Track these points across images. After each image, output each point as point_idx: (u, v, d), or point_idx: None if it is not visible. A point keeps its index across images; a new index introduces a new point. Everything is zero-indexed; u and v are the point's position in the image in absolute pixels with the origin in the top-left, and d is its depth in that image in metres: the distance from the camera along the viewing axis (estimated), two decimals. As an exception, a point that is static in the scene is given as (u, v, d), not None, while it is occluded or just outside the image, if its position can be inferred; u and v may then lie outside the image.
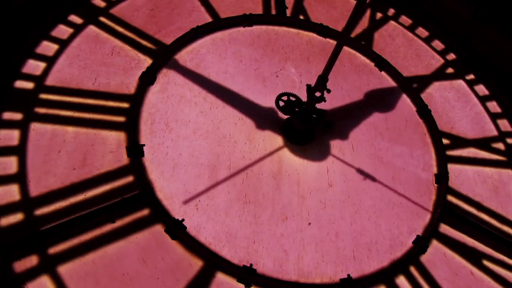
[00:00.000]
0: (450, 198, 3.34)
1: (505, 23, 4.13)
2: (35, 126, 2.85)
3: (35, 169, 2.69)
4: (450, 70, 4.22)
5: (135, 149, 2.90)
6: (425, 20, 4.48)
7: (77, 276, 2.41)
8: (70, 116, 2.94)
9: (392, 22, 4.43)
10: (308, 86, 2.85)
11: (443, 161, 3.47)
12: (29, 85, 3.01)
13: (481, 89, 4.18)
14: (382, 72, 3.93)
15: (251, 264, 2.68)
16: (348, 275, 2.80)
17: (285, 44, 3.84)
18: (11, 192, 2.59)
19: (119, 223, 2.62)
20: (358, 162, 3.31)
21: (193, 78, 3.36)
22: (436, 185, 3.40)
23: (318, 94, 2.85)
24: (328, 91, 2.80)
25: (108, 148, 2.88)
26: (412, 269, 2.94)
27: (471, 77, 4.22)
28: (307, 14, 4.12)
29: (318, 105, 2.99)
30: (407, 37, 4.37)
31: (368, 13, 4.43)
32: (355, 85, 3.77)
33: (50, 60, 3.16)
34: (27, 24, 3.23)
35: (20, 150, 2.74)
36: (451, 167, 3.49)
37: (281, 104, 3.05)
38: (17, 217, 2.52)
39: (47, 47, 3.23)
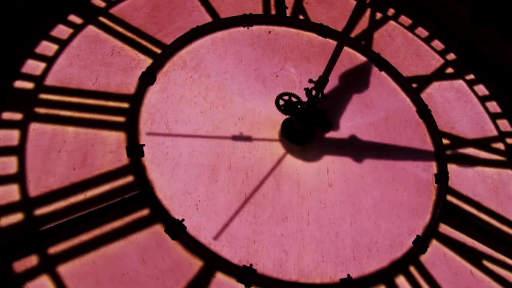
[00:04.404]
0: (450, 198, 3.34)
1: (505, 23, 4.12)
2: (35, 126, 2.84)
3: (35, 169, 2.69)
4: (450, 70, 4.22)
5: (135, 149, 2.90)
6: (425, 20, 4.48)
7: (77, 276, 2.41)
8: (70, 116, 2.94)
9: (392, 22, 4.43)
10: (309, 87, 2.85)
11: (443, 161, 3.47)
12: (29, 85, 3.01)
13: (481, 89, 4.18)
14: (382, 72, 3.93)
15: (251, 264, 2.68)
16: (348, 275, 2.80)
17: (285, 44, 3.84)
18: (11, 192, 2.59)
19: (119, 223, 2.62)
20: (358, 162, 3.31)
21: (193, 78, 3.36)
22: (436, 185, 3.40)
23: (314, 93, 2.84)
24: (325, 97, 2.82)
25: (108, 148, 2.88)
26: (412, 269, 2.94)
27: (471, 77, 4.22)
28: (307, 14, 4.12)
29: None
30: (407, 37, 4.36)
31: (368, 13, 4.43)
32: (355, 85, 3.77)
33: (50, 60, 3.16)
34: (27, 24, 3.23)
35: (20, 150, 2.74)
36: (451, 167, 3.49)
37: (281, 104, 3.05)
38: (17, 217, 2.52)
39: (47, 47, 3.23)
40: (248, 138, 3.19)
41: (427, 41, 4.40)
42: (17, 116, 2.86)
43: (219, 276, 2.61)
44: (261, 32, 3.85)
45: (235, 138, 3.16)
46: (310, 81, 2.80)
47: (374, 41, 4.16)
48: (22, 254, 2.41)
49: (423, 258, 3.01)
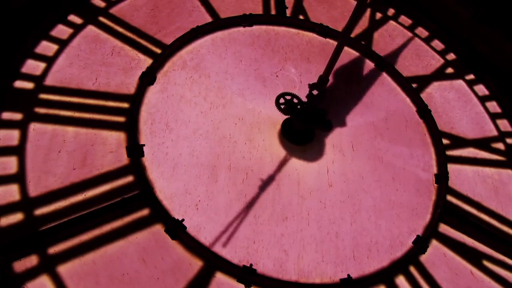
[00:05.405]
0: (450, 198, 3.34)
1: (505, 23, 4.12)
2: (35, 126, 2.84)
3: (35, 169, 2.69)
4: (450, 70, 4.23)
5: (135, 149, 2.90)
6: (425, 20, 4.48)
7: (77, 276, 2.41)
8: (70, 116, 2.94)
9: (392, 22, 4.43)
10: (312, 84, 2.85)
11: (443, 161, 3.47)
12: (29, 85, 3.01)
13: (481, 89, 4.18)
14: (382, 72, 3.93)
15: (251, 264, 2.68)
16: (348, 275, 2.80)
17: (285, 44, 3.84)
18: (11, 192, 2.59)
19: (119, 223, 2.62)
20: (358, 162, 3.31)
21: (193, 78, 3.36)
22: (436, 185, 3.40)
23: (315, 92, 2.84)
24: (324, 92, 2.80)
25: (108, 148, 2.88)
26: (412, 269, 2.94)
27: (471, 77, 4.23)
28: (307, 14, 4.12)
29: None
30: (408, 37, 4.37)
31: (368, 13, 4.43)
32: (355, 85, 3.77)
33: (50, 60, 3.16)
34: (27, 24, 3.23)
35: (20, 150, 2.74)
36: (451, 167, 3.49)
37: (281, 104, 3.05)
38: (17, 217, 2.52)
39: (47, 47, 3.23)
40: (248, 138, 3.19)
41: (427, 41, 4.40)
42: (17, 116, 2.86)
43: (219, 276, 2.61)
44: (261, 32, 3.85)
45: (235, 138, 3.16)
46: (310, 86, 2.80)
47: (374, 41, 4.16)
48: (22, 254, 2.41)
49: (423, 258, 3.01)
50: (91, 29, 3.42)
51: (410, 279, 2.90)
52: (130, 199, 2.71)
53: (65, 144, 2.83)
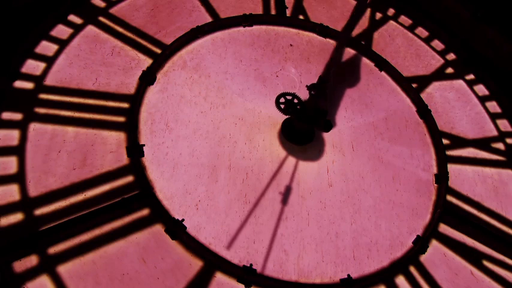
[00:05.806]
0: (450, 198, 3.34)
1: (505, 23, 4.13)
2: (35, 126, 2.84)
3: (34, 169, 2.69)
4: (450, 70, 4.23)
5: (135, 149, 2.90)
6: (425, 20, 4.48)
7: (77, 276, 2.41)
8: (70, 116, 2.94)
9: (392, 22, 4.43)
10: (310, 85, 2.85)
11: (443, 161, 3.47)
12: (29, 85, 3.01)
13: (481, 89, 4.18)
14: (382, 72, 3.93)
15: (251, 264, 2.68)
16: (348, 275, 2.80)
17: (285, 44, 3.84)
18: (11, 192, 2.59)
19: (119, 223, 2.62)
20: (358, 162, 3.31)
21: (193, 78, 3.36)
22: (436, 185, 3.40)
23: (313, 92, 2.84)
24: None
25: (108, 148, 2.88)
26: (412, 269, 2.94)
27: (471, 77, 4.23)
28: (307, 14, 4.12)
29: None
30: (407, 37, 4.37)
31: (368, 13, 4.43)
32: (355, 85, 3.77)
33: (50, 60, 3.17)
34: (27, 24, 3.23)
35: (20, 150, 2.74)
36: (451, 167, 3.49)
37: (281, 104, 3.05)
38: (17, 217, 2.52)
39: (47, 47, 3.23)
40: (248, 138, 3.19)
41: (427, 41, 4.40)
42: (17, 116, 2.86)
43: (219, 276, 2.61)
44: (261, 32, 3.85)
45: (235, 138, 3.16)
46: (310, 87, 2.80)
47: (374, 41, 4.16)
48: (22, 254, 2.40)
49: (423, 258, 3.01)
50: (91, 29, 3.42)
51: (410, 279, 2.90)
52: (130, 199, 2.71)
53: (65, 144, 2.83)
